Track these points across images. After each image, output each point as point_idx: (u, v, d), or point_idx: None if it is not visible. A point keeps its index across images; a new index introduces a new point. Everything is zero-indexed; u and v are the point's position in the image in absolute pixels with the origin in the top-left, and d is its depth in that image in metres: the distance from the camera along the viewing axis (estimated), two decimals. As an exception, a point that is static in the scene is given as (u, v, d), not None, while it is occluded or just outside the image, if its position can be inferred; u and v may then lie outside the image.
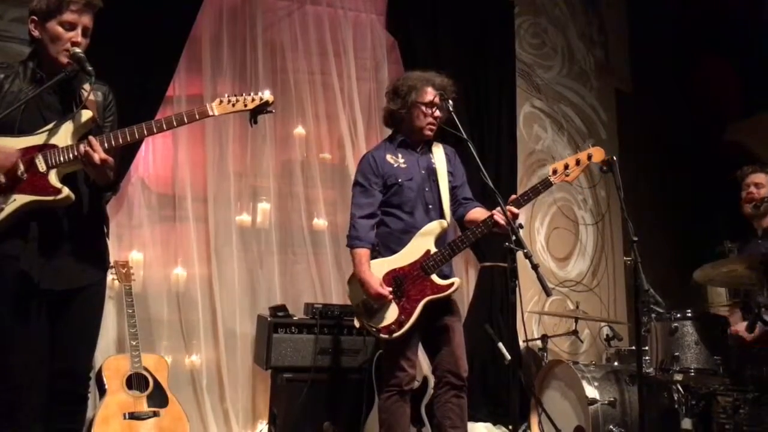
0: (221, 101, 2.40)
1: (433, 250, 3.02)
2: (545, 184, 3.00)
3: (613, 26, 5.81)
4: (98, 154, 2.23)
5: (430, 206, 3.12)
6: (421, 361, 4.10)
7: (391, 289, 2.97)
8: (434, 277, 3.00)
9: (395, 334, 2.95)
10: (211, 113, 2.38)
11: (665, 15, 5.72)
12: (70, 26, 2.28)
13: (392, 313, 2.97)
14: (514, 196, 3.02)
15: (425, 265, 3.00)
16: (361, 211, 3.11)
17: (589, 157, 3.00)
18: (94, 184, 2.37)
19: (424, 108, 3.11)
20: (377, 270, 3.02)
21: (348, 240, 3.12)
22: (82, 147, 2.23)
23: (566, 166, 3.00)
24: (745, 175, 3.93)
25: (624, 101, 5.72)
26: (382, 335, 2.98)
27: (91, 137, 2.25)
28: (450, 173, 3.22)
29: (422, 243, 3.03)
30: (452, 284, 3.01)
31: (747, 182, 3.91)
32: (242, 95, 2.41)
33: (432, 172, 3.17)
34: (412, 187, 3.12)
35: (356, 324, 3.13)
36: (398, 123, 3.22)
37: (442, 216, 3.12)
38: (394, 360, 3.03)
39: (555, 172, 3.00)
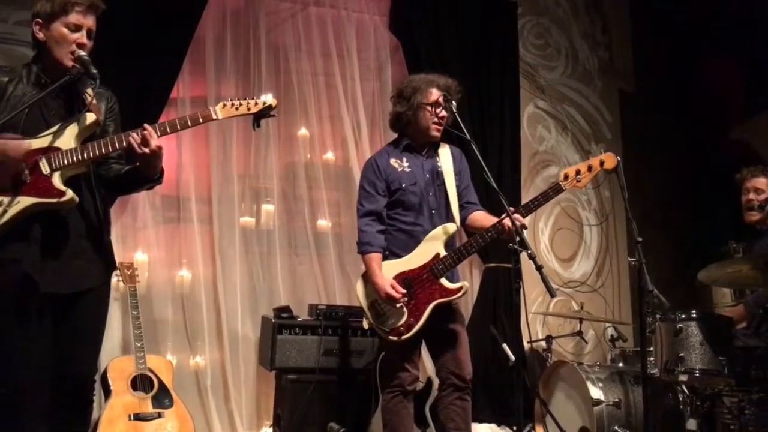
0: (225, 105, 2.42)
1: (443, 253, 3.02)
2: (556, 190, 3.00)
3: (616, 26, 5.80)
4: (154, 140, 2.26)
5: (434, 211, 3.13)
6: (425, 361, 4.10)
7: (405, 291, 2.97)
8: (443, 281, 3.00)
9: (404, 336, 2.96)
10: (214, 117, 2.40)
11: (668, 14, 5.72)
12: (75, 28, 2.30)
13: (401, 316, 2.98)
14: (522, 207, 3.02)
15: (435, 268, 3.00)
16: (367, 216, 3.13)
17: (601, 164, 3.01)
18: (136, 177, 2.39)
19: (429, 108, 3.12)
20: (388, 272, 3.03)
21: (358, 247, 3.14)
22: (135, 134, 2.26)
23: (578, 172, 3.01)
24: (745, 179, 3.83)
25: (628, 101, 5.71)
26: (391, 337, 2.98)
27: (146, 125, 2.29)
28: (456, 175, 3.21)
29: (431, 246, 3.03)
30: (461, 288, 3.01)
31: (747, 186, 3.81)
32: (246, 99, 2.43)
33: (437, 176, 3.17)
34: (416, 192, 3.12)
35: (365, 325, 3.13)
36: (404, 126, 3.23)
37: (448, 219, 3.12)
38: (396, 361, 3.04)
39: (566, 177, 3.01)
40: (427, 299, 2.98)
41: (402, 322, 2.97)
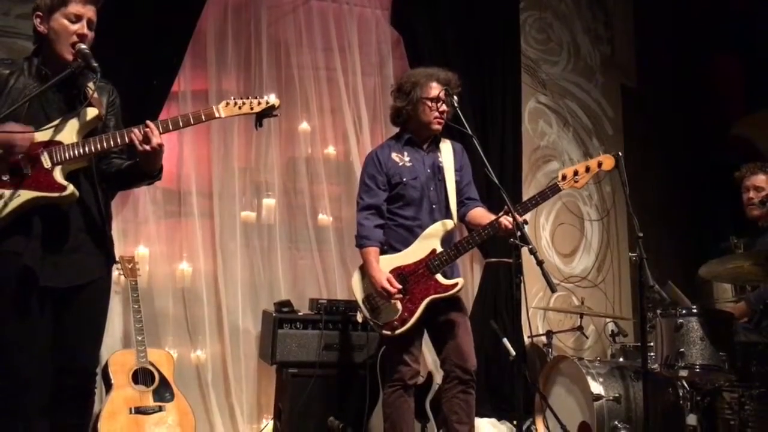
0: (228, 103, 2.42)
1: (439, 249, 3.02)
2: (554, 190, 3.01)
3: (618, 21, 5.78)
4: (156, 138, 2.27)
5: (434, 206, 3.13)
6: (425, 355, 4.10)
7: (401, 287, 2.97)
8: (439, 277, 3.01)
9: (397, 331, 2.97)
10: (217, 115, 2.41)
11: (671, 10, 5.70)
12: (76, 18, 2.29)
13: (395, 311, 2.98)
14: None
15: (430, 264, 3.00)
16: (366, 210, 3.14)
17: (599, 165, 3.02)
18: (135, 173, 2.39)
19: (429, 103, 3.11)
20: (384, 266, 3.04)
21: (356, 240, 3.15)
22: (137, 130, 2.26)
23: (576, 173, 3.01)
24: (744, 177, 3.82)
25: (629, 97, 5.70)
26: (384, 331, 3.00)
27: (149, 122, 2.29)
28: (457, 171, 3.21)
29: (428, 243, 3.04)
30: (456, 284, 3.02)
31: (747, 184, 3.80)
32: (249, 98, 2.43)
33: (438, 171, 3.17)
34: (417, 186, 3.12)
35: (359, 318, 3.14)
36: (405, 120, 3.22)
37: (447, 215, 3.12)
38: (396, 355, 3.04)
39: (564, 177, 3.02)
40: (422, 295, 2.99)
41: (396, 316, 2.98)
